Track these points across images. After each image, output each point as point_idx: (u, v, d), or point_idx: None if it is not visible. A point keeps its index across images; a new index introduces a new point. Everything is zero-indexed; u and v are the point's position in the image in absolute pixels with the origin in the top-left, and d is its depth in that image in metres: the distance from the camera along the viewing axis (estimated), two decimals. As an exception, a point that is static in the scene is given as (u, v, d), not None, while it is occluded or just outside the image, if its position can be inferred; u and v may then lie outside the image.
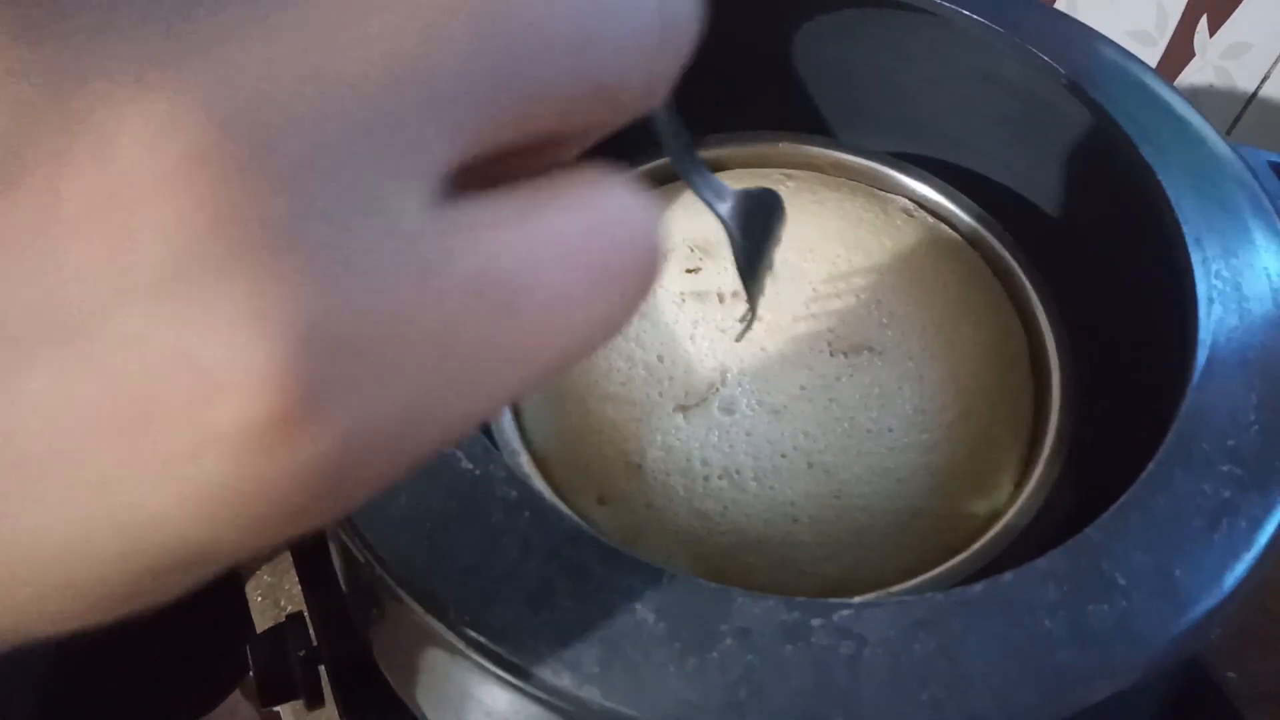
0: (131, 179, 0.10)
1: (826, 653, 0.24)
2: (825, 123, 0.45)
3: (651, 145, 0.24)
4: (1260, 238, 0.32)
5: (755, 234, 0.28)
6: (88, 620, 0.12)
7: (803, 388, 0.34)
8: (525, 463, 0.34)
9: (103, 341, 0.10)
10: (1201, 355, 0.29)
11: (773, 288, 0.35)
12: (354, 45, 0.11)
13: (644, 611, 0.24)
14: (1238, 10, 0.56)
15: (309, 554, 0.40)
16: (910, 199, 0.41)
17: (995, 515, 0.34)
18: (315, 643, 0.37)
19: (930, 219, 0.40)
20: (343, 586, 0.35)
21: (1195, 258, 0.32)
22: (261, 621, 0.48)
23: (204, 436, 0.10)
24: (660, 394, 0.34)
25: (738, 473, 0.33)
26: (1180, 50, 0.59)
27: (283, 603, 0.48)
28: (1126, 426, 0.31)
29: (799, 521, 0.32)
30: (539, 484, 0.34)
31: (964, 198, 0.41)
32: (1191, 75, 0.60)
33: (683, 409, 0.34)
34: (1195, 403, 0.28)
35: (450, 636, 0.24)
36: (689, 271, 0.36)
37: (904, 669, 0.23)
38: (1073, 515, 0.31)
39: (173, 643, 0.56)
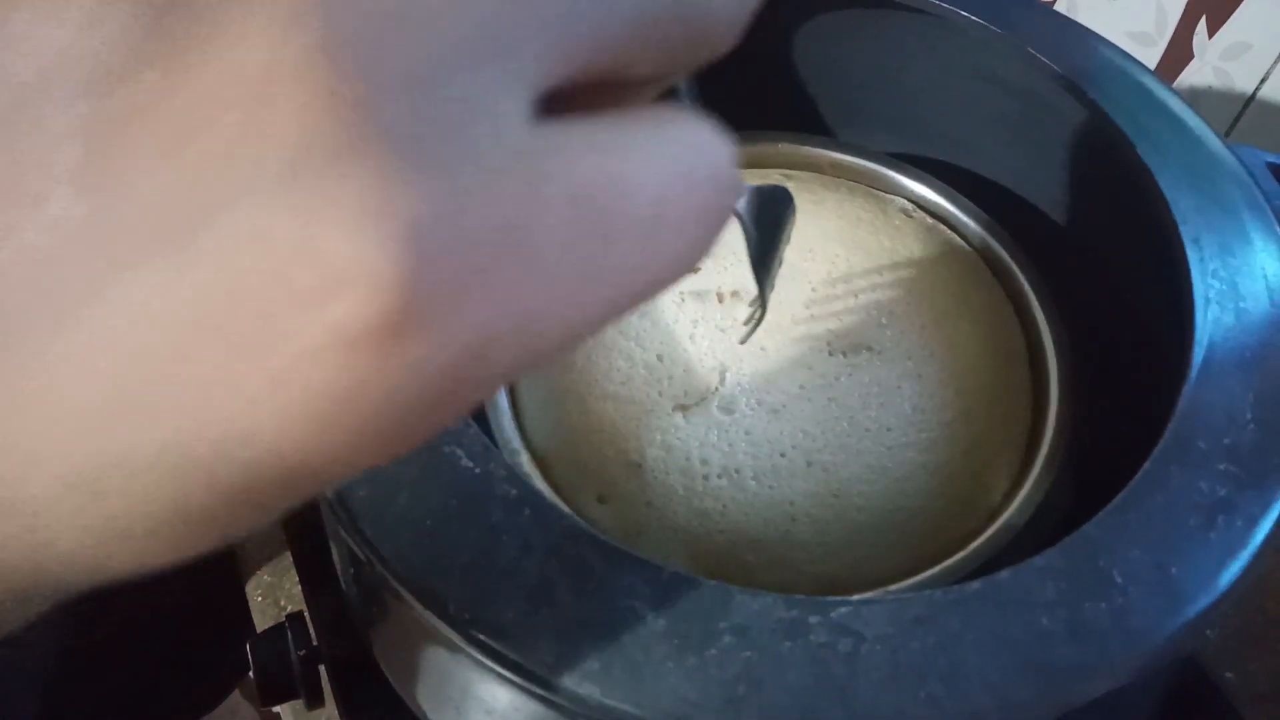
0: (267, 65, 0.10)
1: (825, 650, 0.24)
2: (825, 123, 0.45)
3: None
4: (1257, 238, 0.32)
5: (768, 230, 0.28)
6: (165, 557, 0.12)
7: (802, 387, 0.34)
8: (525, 461, 0.34)
9: (223, 236, 0.10)
10: (1198, 354, 0.29)
11: (772, 287, 0.35)
12: None
13: (643, 609, 0.24)
14: (1237, 11, 0.56)
15: (309, 554, 0.41)
16: (909, 199, 0.41)
17: (993, 513, 0.34)
18: (315, 642, 0.37)
19: (929, 219, 0.40)
20: (343, 585, 0.35)
21: (1193, 258, 0.32)
22: (261, 621, 0.48)
23: (321, 335, 0.10)
24: (660, 393, 0.34)
25: (737, 472, 0.33)
26: (1179, 51, 0.60)
27: (283, 603, 0.48)
28: (1124, 425, 0.32)
29: (798, 520, 0.32)
30: (539, 482, 0.34)
31: (963, 198, 0.41)
32: (1191, 76, 0.60)
33: (682, 408, 0.34)
34: (1192, 401, 0.28)
35: (450, 634, 0.24)
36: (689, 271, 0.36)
37: (902, 666, 0.24)
38: (1070, 513, 0.31)
39: (173, 643, 0.56)
